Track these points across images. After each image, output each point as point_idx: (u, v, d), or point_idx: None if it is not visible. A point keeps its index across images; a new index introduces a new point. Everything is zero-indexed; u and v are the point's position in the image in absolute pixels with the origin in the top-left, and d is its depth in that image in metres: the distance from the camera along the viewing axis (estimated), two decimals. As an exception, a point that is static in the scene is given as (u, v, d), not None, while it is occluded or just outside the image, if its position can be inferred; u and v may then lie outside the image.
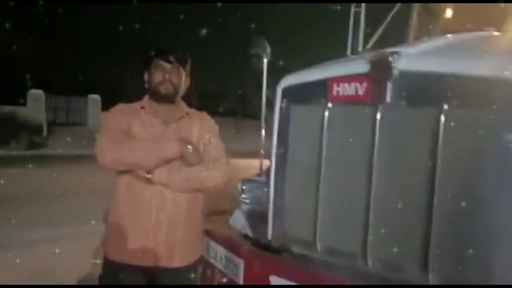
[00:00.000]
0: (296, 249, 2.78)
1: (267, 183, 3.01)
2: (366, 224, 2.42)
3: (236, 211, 3.46)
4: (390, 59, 2.35)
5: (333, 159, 2.60)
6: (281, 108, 2.87)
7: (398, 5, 4.62)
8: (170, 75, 2.50)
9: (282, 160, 2.86)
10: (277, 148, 2.87)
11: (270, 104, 3.69)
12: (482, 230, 2.06)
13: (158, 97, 2.54)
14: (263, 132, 3.50)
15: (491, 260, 2.02)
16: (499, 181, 2.02)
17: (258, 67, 3.69)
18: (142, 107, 2.56)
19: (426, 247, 2.20)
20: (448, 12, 4.30)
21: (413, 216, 2.26)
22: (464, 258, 2.07)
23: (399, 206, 2.30)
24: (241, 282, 2.87)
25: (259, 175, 3.50)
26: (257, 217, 3.21)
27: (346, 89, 2.53)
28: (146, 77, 2.59)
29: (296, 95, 2.82)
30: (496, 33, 2.94)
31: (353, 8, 4.79)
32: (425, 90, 2.27)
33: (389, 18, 4.68)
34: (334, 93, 2.59)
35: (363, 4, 4.74)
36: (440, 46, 2.44)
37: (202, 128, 2.60)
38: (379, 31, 4.72)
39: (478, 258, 2.05)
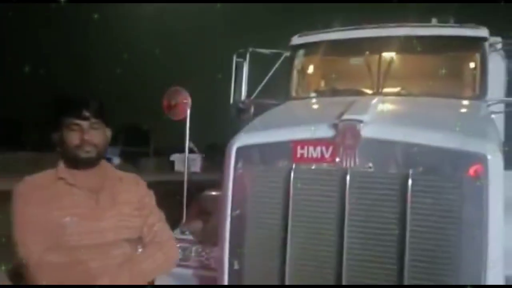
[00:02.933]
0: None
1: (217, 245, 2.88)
2: (339, 280, 2.54)
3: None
4: (358, 127, 2.55)
5: (301, 218, 2.65)
6: (235, 169, 2.80)
7: (281, 59, 4.96)
8: (89, 134, 2.03)
9: (238, 222, 2.77)
10: (233, 209, 2.78)
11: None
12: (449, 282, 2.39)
13: (77, 163, 2.04)
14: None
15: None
16: (461, 238, 2.38)
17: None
18: (61, 178, 2.03)
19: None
20: (326, 70, 4.84)
21: (385, 275, 2.47)
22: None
23: (371, 265, 2.50)
24: None
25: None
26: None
27: (311, 152, 2.63)
28: (55, 139, 2.08)
29: (253, 155, 2.79)
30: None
31: (235, 58, 4.97)
32: (391, 156, 2.53)
33: (272, 70, 4.99)
34: (298, 155, 2.66)
35: (247, 55, 4.95)
36: (399, 114, 2.74)
37: (141, 196, 2.19)
38: (264, 82, 5.01)
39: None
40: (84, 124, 2.02)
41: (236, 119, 5.08)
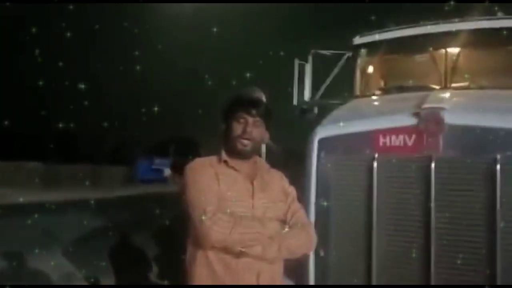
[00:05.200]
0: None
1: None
2: (426, 270, 2.58)
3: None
4: (441, 114, 2.60)
5: (385, 207, 2.71)
6: (319, 159, 2.90)
7: (343, 59, 5.05)
8: (251, 129, 2.32)
9: (322, 211, 2.87)
10: (317, 199, 2.88)
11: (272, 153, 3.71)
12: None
13: (235, 152, 2.35)
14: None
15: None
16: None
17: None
18: (225, 161, 2.36)
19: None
20: (390, 68, 4.89)
21: (475, 264, 2.50)
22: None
23: (459, 256, 2.53)
24: None
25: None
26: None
27: (394, 141, 2.70)
28: (222, 129, 2.41)
29: (335, 146, 2.89)
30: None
31: (296, 61, 5.12)
32: (476, 143, 2.56)
33: (335, 71, 5.09)
34: (381, 144, 2.74)
35: (309, 57, 5.08)
36: (477, 102, 2.78)
37: (284, 187, 2.45)
38: (327, 83, 5.12)
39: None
40: (250, 119, 2.30)
41: (300, 120, 5.22)
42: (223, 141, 2.41)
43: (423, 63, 4.52)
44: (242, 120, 2.32)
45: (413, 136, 2.66)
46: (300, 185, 3.08)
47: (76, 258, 6.38)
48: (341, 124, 2.92)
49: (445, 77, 4.25)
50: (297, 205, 2.41)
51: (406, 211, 2.67)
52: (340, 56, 5.06)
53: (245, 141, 2.30)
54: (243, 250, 2.17)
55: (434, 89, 4.15)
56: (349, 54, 4.97)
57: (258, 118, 2.33)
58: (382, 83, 4.78)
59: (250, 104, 2.35)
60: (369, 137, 2.76)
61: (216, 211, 2.16)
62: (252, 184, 2.33)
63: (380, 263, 2.70)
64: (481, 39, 4.19)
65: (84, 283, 5.78)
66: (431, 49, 4.41)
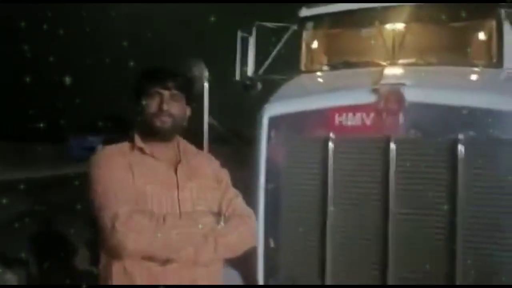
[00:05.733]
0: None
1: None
2: (384, 254, 2.41)
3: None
4: (401, 90, 2.40)
5: (341, 190, 2.50)
6: (269, 139, 2.62)
7: (288, 32, 4.78)
8: (168, 104, 1.98)
9: (273, 197, 2.61)
10: (267, 184, 2.61)
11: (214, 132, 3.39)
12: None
13: (152, 132, 1.98)
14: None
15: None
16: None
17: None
18: (140, 148, 1.98)
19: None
20: (337, 43, 4.68)
21: (435, 246, 2.35)
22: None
23: (418, 236, 2.37)
24: None
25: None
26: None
27: (350, 119, 2.48)
28: (137, 109, 2.01)
29: (287, 125, 2.62)
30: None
31: (239, 33, 4.77)
32: (437, 122, 2.39)
33: (280, 44, 4.80)
34: (337, 123, 2.51)
35: (253, 30, 4.76)
36: (435, 79, 2.60)
37: (215, 172, 2.11)
38: (271, 57, 4.82)
39: None
40: (165, 93, 1.96)
41: (242, 97, 4.92)
42: (136, 123, 2.03)
43: (370, 38, 4.34)
44: (156, 96, 1.96)
45: (372, 114, 2.44)
46: (248, 168, 2.80)
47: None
48: (292, 101, 2.65)
49: (392, 53, 4.11)
50: (232, 192, 2.07)
51: (364, 196, 2.46)
52: (285, 29, 4.78)
53: (164, 118, 1.95)
54: (170, 256, 1.79)
55: (381, 65, 3.99)
56: (294, 27, 4.71)
57: (175, 91, 1.99)
58: (328, 58, 4.56)
59: (164, 76, 1.99)
60: (324, 115, 2.52)
61: (132, 212, 1.76)
62: (176, 172, 1.97)
63: (336, 257, 2.50)
64: (428, 14, 4.07)
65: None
66: (378, 23, 4.24)
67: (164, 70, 2.05)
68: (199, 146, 2.32)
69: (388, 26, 4.18)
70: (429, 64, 3.96)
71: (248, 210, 2.07)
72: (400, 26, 4.15)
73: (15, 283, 4.87)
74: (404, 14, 4.08)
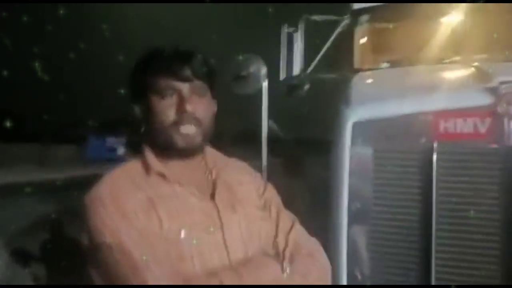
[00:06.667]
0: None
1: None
2: None
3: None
4: (525, 89, 1.92)
5: (448, 213, 2.02)
6: (353, 149, 2.15)
7: (339, 28, 4.31)
8: (192, 103, 1.33)
9: (358, 218, 2.14)
10: (350, 202, 2.14)
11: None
12: None
13: (173, 151, 1.36)
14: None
15: None
16: None
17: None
18: (161, 175, 1.34)
19: None
20: (393, 40, 4.20)
21: None
22: None
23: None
24: None
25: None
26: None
27: (460, 125, 2.00)
28: (137, 113, 1.39)
29: (376, 132, 2.15)
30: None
31: (284, 29, 4.30)
32: None
33: (330, 40, 4.33)
34: (442, 130, 2.03)
35: (301, 24, 4.30)
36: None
37: (257, 186, 1.51)
38: (321, 54, 4.35)
39: None
40: (184, 88, 1.32)
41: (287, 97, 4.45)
42: (142, 134, 1.40)
43: (436, 32, 3.86)
44: (170, 93, 1.32)
45: (487, 119, 1.96)
46: (320, 185, 2.34)
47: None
48: (382, 103, 2.17)
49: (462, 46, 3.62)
50: (287, 218, 1.47)
51: (475, 217, 1.98)
52: (336, 23, 4.31)
53: (186, 127, 1.32)
54: None
55: (455, 61, 3.50)
56: (346, 20, 4.24)
57: (198, 82, 1.34)
58: (387, 54, 4.07)
59: (179, 61, 1.32)
60: (425, 120, 2.05)
61: (163, 273, 1.16)
62: (214, 199, 1.35)
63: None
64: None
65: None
66: (447, 13, 3.76)
67: (177, 51, 1.36)
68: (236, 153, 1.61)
69: (459, 17, 3.70)
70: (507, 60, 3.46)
71: (313, 240, 1.50)
72: (473, 16, 3.66)
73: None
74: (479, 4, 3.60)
